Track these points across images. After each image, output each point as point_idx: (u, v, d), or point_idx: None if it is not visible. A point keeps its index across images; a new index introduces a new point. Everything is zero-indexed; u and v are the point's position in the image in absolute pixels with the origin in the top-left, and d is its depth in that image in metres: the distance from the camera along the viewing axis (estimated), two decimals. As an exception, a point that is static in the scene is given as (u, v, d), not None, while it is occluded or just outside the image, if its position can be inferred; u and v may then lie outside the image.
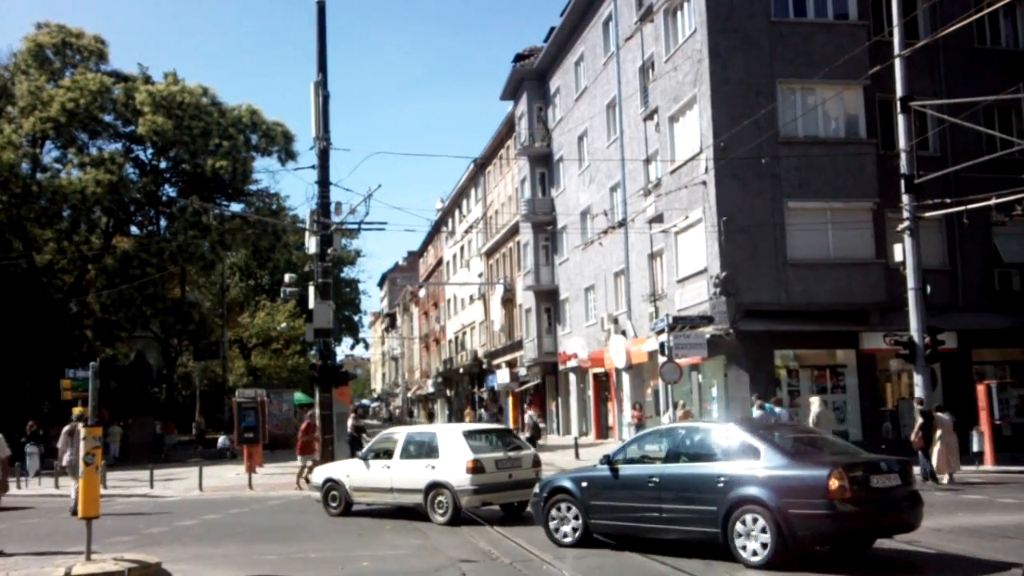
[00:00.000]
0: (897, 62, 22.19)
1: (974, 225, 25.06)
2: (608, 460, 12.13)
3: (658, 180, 29.92)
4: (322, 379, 24.01)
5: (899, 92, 22.44)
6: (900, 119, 22.63)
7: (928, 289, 22.65)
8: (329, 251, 24.51)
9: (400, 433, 17.20)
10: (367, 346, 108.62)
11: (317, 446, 22.83)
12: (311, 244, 24.75)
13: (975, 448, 22.34)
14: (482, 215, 58.57)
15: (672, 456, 11.64)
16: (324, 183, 24.32)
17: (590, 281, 38.41)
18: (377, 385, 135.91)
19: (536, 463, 16.11)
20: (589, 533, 12.13)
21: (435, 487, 15.22)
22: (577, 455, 27.89)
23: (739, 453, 10.83)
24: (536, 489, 13.16)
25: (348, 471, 17.02)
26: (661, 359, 25.34)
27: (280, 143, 38.46)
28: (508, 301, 51.92)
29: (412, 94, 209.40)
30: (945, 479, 19.44)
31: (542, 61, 43.86)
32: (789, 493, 10.11)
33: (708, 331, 25.05)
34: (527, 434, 30.33)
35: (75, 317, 38.70)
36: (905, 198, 22.28)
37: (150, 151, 38.67)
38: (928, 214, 22.55)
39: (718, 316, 24.92)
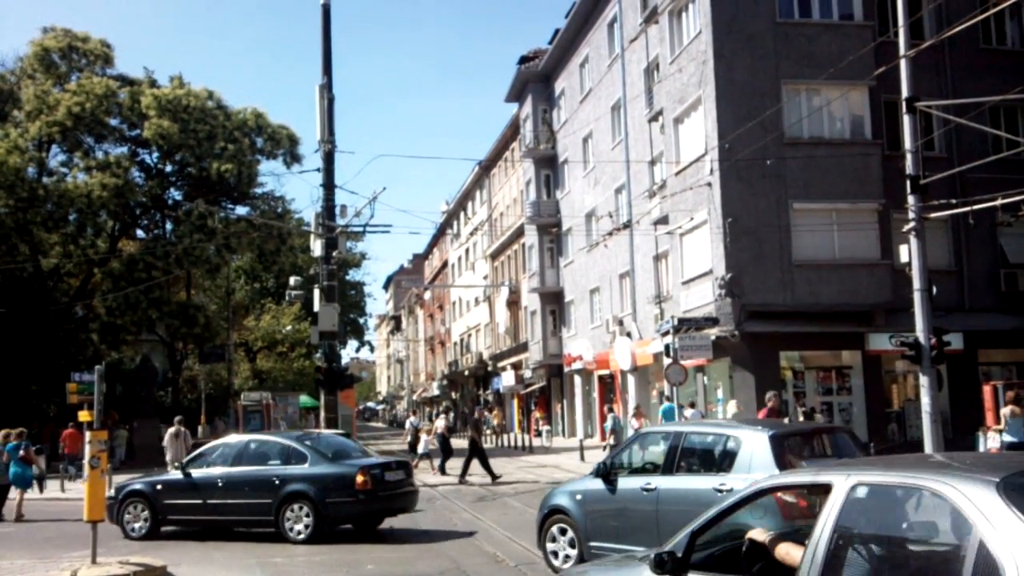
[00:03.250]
0: (903, 62, 22.10)
1: (980, 226, 24.97)
2: (181, 467, 15.10)
3: (663, 182, 29.90)
4: (328, 382, 24.03)
5: (904, 93, 22.32)
6: (905, 120, 22.50)
7: (934, 290, 22.52)
8: (334, 254, 24.52)
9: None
10: (372, 349, 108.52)
11: None
12: (316, 247, 24.78)
13: (981, 449, 22.24)
14: (487, 217, 58.60)
15: (236, 462, 14.57)
16: (329, 186, 24.34)
17: (595, 283, 38.37)
18: (383, 388, 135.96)
19: None
20: (158, 527, 14.83)
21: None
22: (583, 457, 27.88)
23: (291, 458, 14.09)
24: (112, 492, 15.13)
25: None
26: (666, 361, 25.31)
27: (285, 146, 38.48)
28: (513, 303, 51.90)
29: (417, 96, 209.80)
30: None
31: (547, 63, 43.87)
32: (327, 487, 13.57)
33: (713, 333, 25.02)
34: (408, 438, 30.81)
35: (81, 321, 38.74)
36: (911, 199, 22.13)
37: (156, 155, 38.68)
38: (934, 215, 22.42)
39: (723, 318, 24.88)
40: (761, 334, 24.64)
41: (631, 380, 33.63)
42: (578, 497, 10.66)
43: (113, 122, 37.12)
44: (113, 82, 36.64)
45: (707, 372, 27.58)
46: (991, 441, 20.13)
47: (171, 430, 23.30)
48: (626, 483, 10.22)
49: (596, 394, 38.98)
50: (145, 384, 39.14)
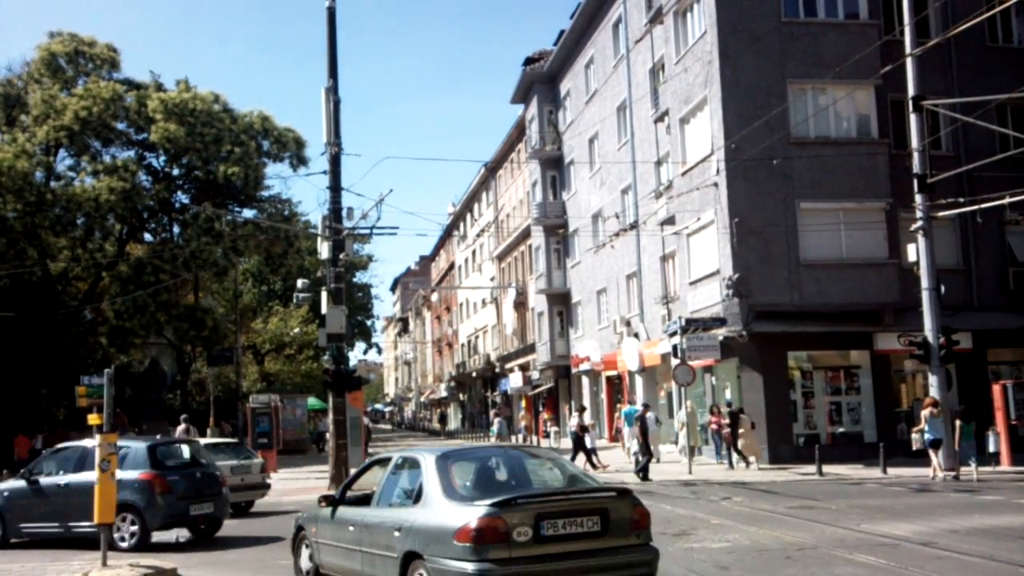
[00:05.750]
0: (908, 61, 22.11)
1: (988, 224, 24.96)
2: None
3: (669, 182, 29.88)
4: (335, 384, 24.02)
5: (911, 91, 22.36)
6: (912, 118, 22.55)
7: (942, 289, 22.55)
8: (341, 256, 24.52)
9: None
10: (380, 351, 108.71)
11: None
12: (323, 249, 24.77)
13: (991, 449, 22.20)
14: (493, 219, 58.60)
15: None
16: (336, 188, 24.34)
17: (602, 284, 38.36)
18: (390, 390, 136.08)
19: (264, 470, 20.15)
20: None
21: None
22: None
23: None
24: None
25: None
26: (674, 361, 25.29)
27: (291, 149, 38.48)
28: (520, 304, 51.90)
29: (422, 98, 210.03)
30: (754, 466, 23.85)
31: (552, 64, 43.88)
32: None
33: (721, 333, 24.99)
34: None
35: (90, 324, 38.80)
36: (918, 198, 22.20)
37: (163, 158, 38.70)
38: (941, 213, 22.45)
39: (731, 318, 24.85)
40: (769, 334, 24.60)
41: (639, 381, 33.61)
42: (5, 494, 15.12)
43: (120, 126, 37.16)
44: (120, 86, 36.69)
45: (715, 372, 27.55)
46: (915, 444, 21.64)
47: (180, 428, 24.46)
48: (45, 481, 14.68)
49: (604, 395, 38.97)
50: (154, 387, 39.22)
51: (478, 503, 7.82)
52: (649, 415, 26.08)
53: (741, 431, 24.19)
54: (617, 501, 8.18)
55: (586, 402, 41.09)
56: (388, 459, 9.62)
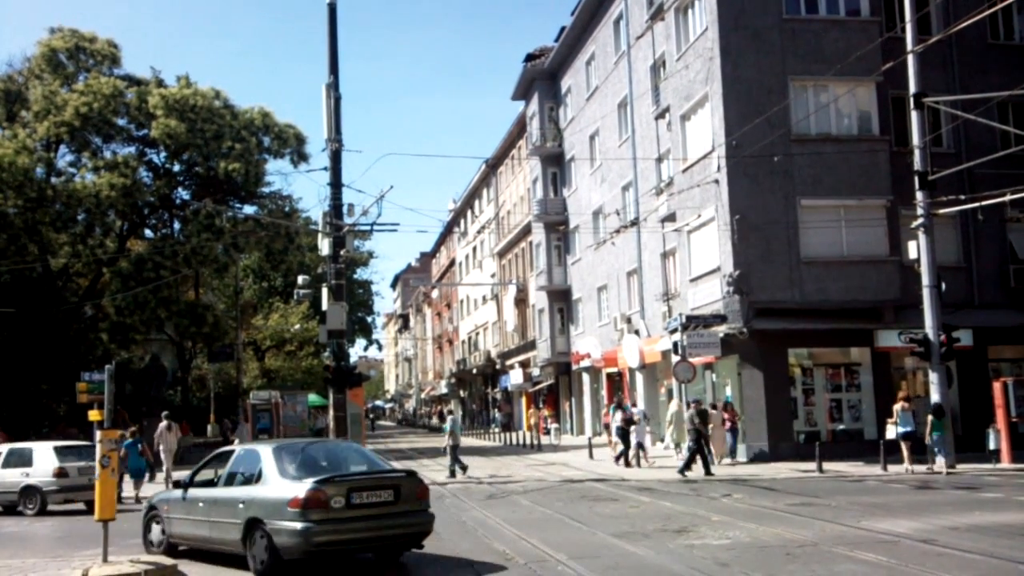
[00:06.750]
0: (910, 58, 22.10)
1: (989, 222, 24.93)
2: None
3: (670, 179, 29.87)
4: (336, 380, 24.05)
5: (912, 88, 22.35)
6: (913, 115, 22.54)
7: (943, 286, 22.55)
8: (342, 253, 24.56)
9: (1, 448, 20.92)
10: (380, 347, 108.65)
11: None
12: (324, 246, 24.81)
13: (991, 446, 22.23)
14: (494, 215, 58.60)
15: None
16: (336, 185, 24.37)
17: (603, 281, 38.36)
18: (391, 386, 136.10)
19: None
20: None
21: (28, 489, 19.22)
22: (591, 455, 27.91)
23: None
24: None
25: None
26: (674, 358, 25.30)
27: (292, 145, 38.46)
28: (521, 301, 51.90)
29: (423, 95, 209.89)
30: (719, 460, 24.20)
31: (553, 61, 43.84)
32: None
33: (721, 330, 24.99)
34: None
35: (90, 320, 38.83)
36: (919, 195, 22.20)
37: (163, 154, 38.66)
38: (942, 211, 22.45)
39: (731, 315, 24.85)
40: (769, 331, 24.61)
41: (639, 377, 33.61)
42: None
43: (121, 122, 37.12)
44: (120, 82, 36.63)
45: (715, 369, 27.55)
46: (889, 433, 22.41)
47: (162, 424, 25.15)
48: None
49: (604, 392, 38.95)
50: (154, 383, 39.28)
51: (306, 480, 10.62)
52: (636, 409, 26.02)
53: (711, 427, 23.84)
54: (407, 480, 11.41)
55: (586, 399, 41.18)
56: (231, 452, 12.41)
